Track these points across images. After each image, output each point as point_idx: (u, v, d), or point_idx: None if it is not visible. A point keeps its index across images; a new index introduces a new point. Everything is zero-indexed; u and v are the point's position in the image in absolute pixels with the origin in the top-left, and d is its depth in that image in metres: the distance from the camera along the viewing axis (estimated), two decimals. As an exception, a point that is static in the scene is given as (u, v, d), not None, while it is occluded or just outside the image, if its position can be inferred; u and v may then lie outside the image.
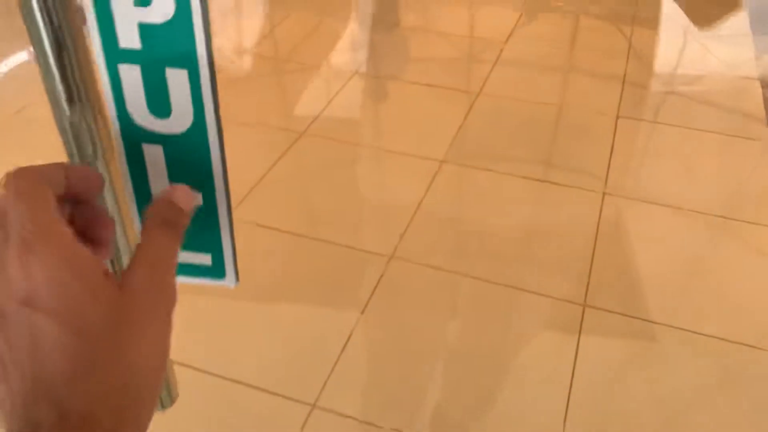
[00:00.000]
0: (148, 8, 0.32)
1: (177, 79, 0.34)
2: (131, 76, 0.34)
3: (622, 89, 2.23)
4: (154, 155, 0.37)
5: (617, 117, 2.09)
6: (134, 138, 0.36)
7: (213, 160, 0.36)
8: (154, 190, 0.38)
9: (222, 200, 0.38)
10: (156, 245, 0.31)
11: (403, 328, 1.48)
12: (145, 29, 0.33)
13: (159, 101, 0.35)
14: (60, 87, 0.38)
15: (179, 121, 0.35)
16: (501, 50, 2.45)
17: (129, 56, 0.34)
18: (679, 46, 2.56)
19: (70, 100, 0.39)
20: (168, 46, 0.33)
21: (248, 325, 1.50)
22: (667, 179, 1.87)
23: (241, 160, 1.93)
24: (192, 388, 1.34)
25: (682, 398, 1.31)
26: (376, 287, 1.56)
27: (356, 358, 1.42)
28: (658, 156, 1.97)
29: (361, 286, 1.57)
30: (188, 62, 0.33)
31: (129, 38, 0.33)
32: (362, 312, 1.51)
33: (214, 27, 2.43)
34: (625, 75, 2.31)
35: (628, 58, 2.41)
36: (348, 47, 2.54)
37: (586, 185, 1.82)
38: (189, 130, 0.35)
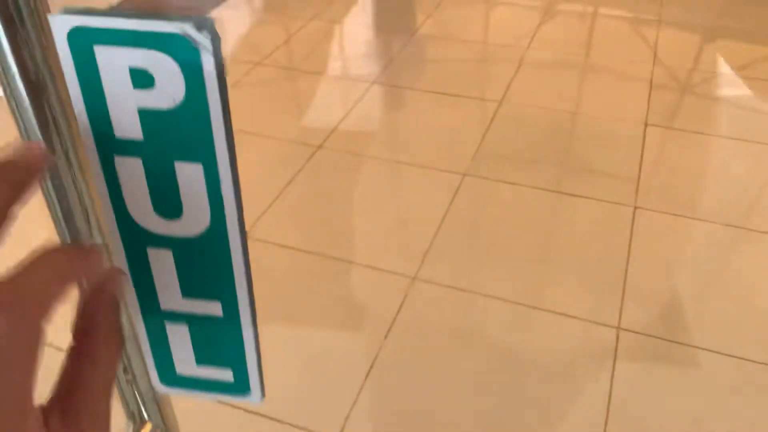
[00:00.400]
0: (151, 91, 0.26)
1: (189, 175, 0.27)
2: (130, 170, 0.28)
3: (650, 95, 2.14)
4: (161, 260, 0.30)
5: (645, 125, 2.00)
6: (136, 240, 0.30)
7: (234, 267, 0.30)
8: (163, 299, 0.31)
9: (245, 310, 0.31)
10: (104, 359, 0.24)
11: (429, 354, 1.41)
12: (147, 116, 0.26)
13: (167, 200, 0.28)
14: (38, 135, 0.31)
15: (193, 222, 0.28)
16: (522, 57, 2.36)
17: (127, 148, 0.27)
18: (706, 48, 2.47)
19: (51, 151, 0.32)
20: (178, 136, 0.26)
21: (268, 353, 1.43)
22: (701, 191, 1.78)
23: (258, 175, 1.86)
24: (214, 421, 1.28)
25: (720, 422, 1.23)
26: (399, 311, 1.49)
27: (380, 387, 1.35)
28: (690, 166, 1.88)
29: (383, 310, 1.50)
30: (203, 154, 0.27)
31: (127, 126, 0.27)
32: (385, 337, 1.44)
33: (230, 36, 2.39)
34: (651, 80, 2.22)
35: (654, 62, 2.32)
36: (365, 56, 2.47)
37: (616, 199, 1.74)
38: (205, 233, 0.29)
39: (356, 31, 2.65)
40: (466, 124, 2.06)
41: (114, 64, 0.25)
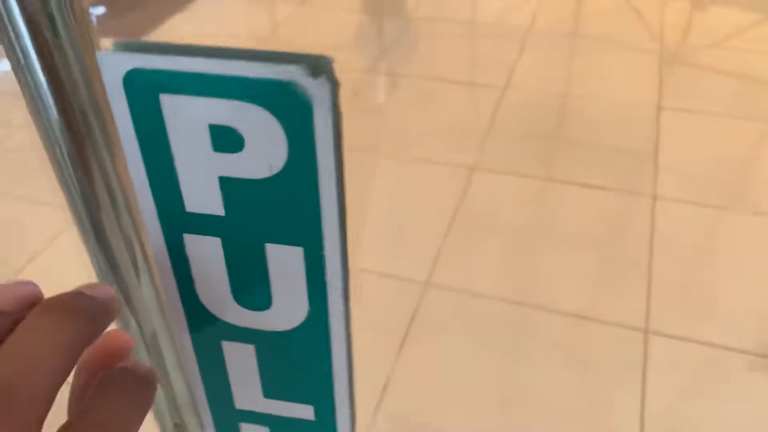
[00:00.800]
0: (239, 155, 0.19)
1: (284, 260, 0.21)
2: (205, 251, 0.21)
3: (660, 74, 2.07)
4: (239, 356, 0.24)
5: (659, 108, 1.94)
6: (209, 332, 0.23)
7: (335, 368, 0.23)
8: (239, 399, 0.25)
9: (344, 414, 0.25)
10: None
11: (448, 369, 1.35)
12: (231, 186, 0.20)
13: (252, 288, 0.22)
14: (78, 190, 0.24)
15: (284, 315, 0.22)
16: (524, 37, 2.29)
17: (202, 224, 0.21)
18: (720, 19, 2.40)
19: (97, 206, 0.26)
20: (272, 213, 0.20)
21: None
22: (726, 178, 1.71)
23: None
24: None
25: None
26: (411, 322, 1.42)
27: (397, 408, 1.29)
28: (712, 151, 1.81)
29: (395, 321, 1.43)
30: (306, 237, 0.20)
31: (202, 199, 0.20)
32: (399, 351, 1.38)
33: (213, 25, 2.28)
34: (661, 57, 2.15)
35: (662, 36, 2.25)
36: (358, 43, 2.39)
37: (633, 188, 1.67)
38: (300, 328, 0.22)
39: (346, 16, 2.55)
40: (470, 113, 1.99)
41: (188, 119, 0.19)
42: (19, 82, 0.21)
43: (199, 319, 0.23)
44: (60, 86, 0.20)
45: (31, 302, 0.18)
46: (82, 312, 0.17)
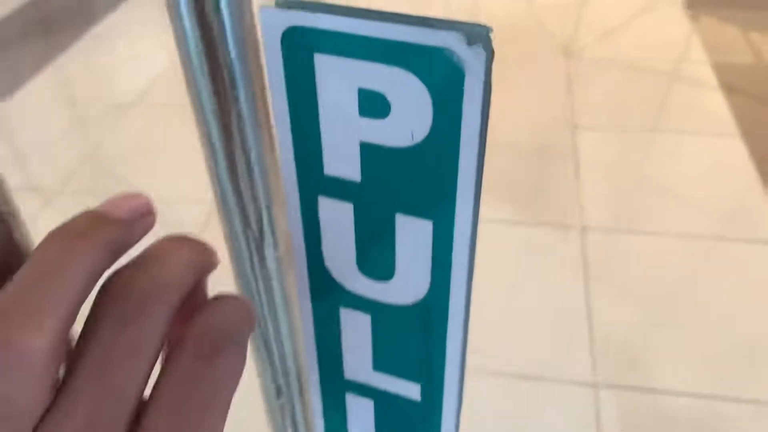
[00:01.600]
0: (384, 121, 0.19)
1: (413, 232, 0.20)
2: (336, 216, 0.21)
3: (570, 88, 1.84)
4: (355, 325, 0.24)
5: (574, 127, 1.72)
6: (329, 298, 0.24)
7: (449, 349, 0.23)
8: (348, 368, 0.25)
9: (451, 400, 0.24)
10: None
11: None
12: (371, 153, 0.20)
13: (377, 258, 0.22)
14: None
15: (405, 288, 0.22)
16: None
17: (337, 189, 0.21)
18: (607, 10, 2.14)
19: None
20: (407, 183, 0.20)
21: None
22: (659, 201, 1.49)
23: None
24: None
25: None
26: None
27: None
28: (637, 172, 1.58)
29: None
30: (438, 211, 0.20)
31: (341, 163, 0.20)
32: None
33: (116, 50, 2.14)
34: (569, 67, 1.91)
35: (565, 44, 2.01)
36: None
37: (559, 220, 1.48)
38: (419, 303, 0.22)
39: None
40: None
41: (339, 81, 0.19)
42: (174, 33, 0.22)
43: (322, 283, 0.23)
44: (210, 37, 0.20)
45: (145, 211, 0.19)
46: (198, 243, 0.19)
